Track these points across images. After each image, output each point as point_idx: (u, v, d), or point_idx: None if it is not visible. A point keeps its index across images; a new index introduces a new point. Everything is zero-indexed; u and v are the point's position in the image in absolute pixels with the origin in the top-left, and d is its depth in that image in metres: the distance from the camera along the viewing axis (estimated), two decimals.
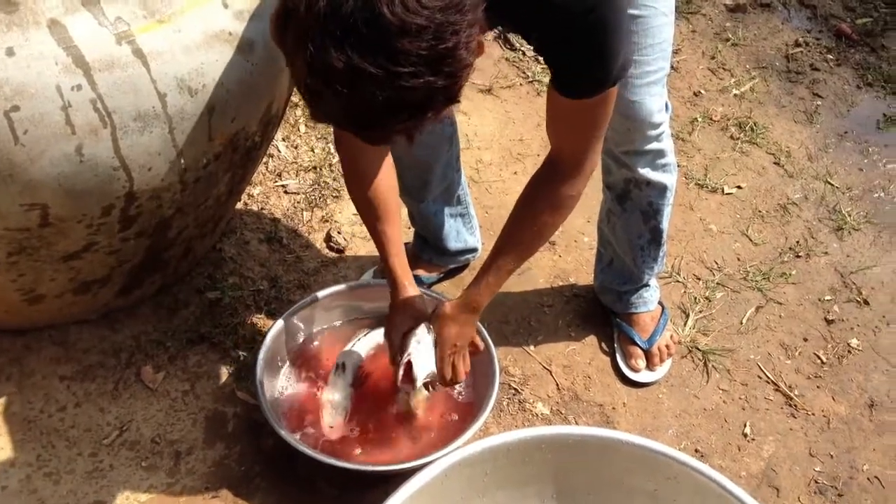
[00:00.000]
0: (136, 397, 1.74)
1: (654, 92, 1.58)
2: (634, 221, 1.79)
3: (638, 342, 1.91)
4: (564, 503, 1.52)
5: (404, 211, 2.01)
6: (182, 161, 1.47)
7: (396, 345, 1.59)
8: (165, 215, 1.58)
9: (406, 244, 2.06)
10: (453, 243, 1.99)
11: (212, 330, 1.85)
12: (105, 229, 1.49)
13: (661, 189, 1.74)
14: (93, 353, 1.78)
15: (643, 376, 1.90)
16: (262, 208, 2.16)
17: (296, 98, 2.46)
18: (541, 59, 1.34)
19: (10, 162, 1.27)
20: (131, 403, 1.73)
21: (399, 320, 1.59)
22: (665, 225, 1.81)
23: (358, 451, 1.64)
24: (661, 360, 1.92)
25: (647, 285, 1.92)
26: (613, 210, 1.81)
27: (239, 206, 2.13)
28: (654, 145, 1.66)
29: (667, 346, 1.93)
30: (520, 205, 1.47)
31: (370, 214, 1.56)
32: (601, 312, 2.01)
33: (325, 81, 0.96)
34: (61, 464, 1.63)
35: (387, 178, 1.56)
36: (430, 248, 2.01)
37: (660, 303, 1.97)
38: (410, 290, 1.60)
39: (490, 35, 2.86)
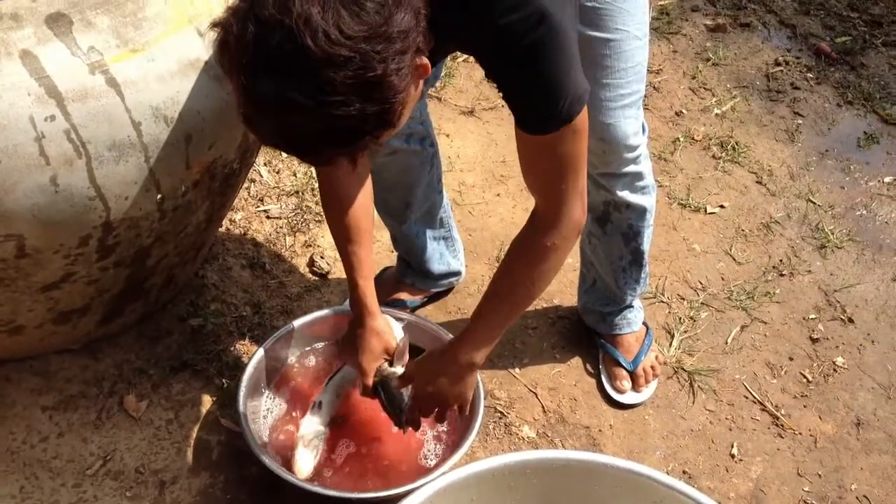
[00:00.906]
0: (120, 427, 1.72)
1: (628, 115, 1.59)
2: (615, 243, 1.79)
3: (623, 363, 1.90)
4: None
5: (386, 234, 2.01)
6: (159, 190, 1.47)
7: (371, 374, 1.58)
8: (144, 244, 1.57)
9: (388, 268, 2.06)
10: (437, 266, 1.99)
11: (195, 357, 1.84)
12: (83, 259, 1.49)
13: (641, 212, 1.74)
14: (75, 383, 1.77)
15: (629, 398, 1.90)
16: (244, 234, 2.15)
17: None
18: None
19: None
20: (115, 433, 1.71)
21: (371, 347, 1.58)
22: (646, 246, 1.81)
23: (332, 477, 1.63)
24: (647, 382, 1.92)
25: (630, 306, 1.92)
26: (594, 232, 1.81)
27: (221, 231, 2.12)
28: (631, 168, 1.66)
29: (652, 367, 1.92)
30: (504, 258, 1.46)
31: (342, 236, 1.56)
32: (586, 334, 2.01)
33: (258, 109, 1.00)
34: (45, 495, 1.61)
35: (363, 202, 1.55)
36: (413, 272, 2.00)
37: (644, 323, 1.97)
38: (378, 316, 1.59)
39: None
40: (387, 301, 1.95)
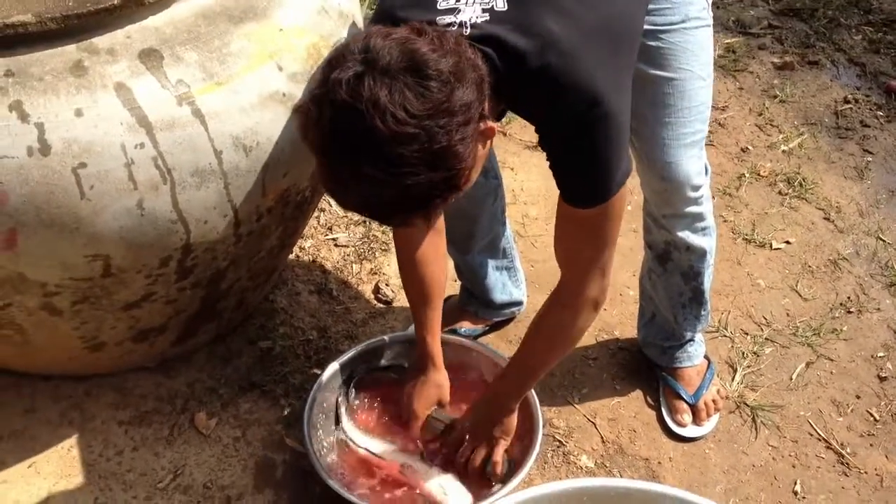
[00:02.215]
0: (190, 443, 1.79)
1: (691, 154, 1.61)
2: (675, 281, 1.81)
3: (684, 396, 1.90)
4: None
5: (450, 263, 2.06)
6: (237, 215, 1.54)
7: (421, 420, 1.71)
8: (220, 267, 1.65)
9: (451, 297, 2.11)
10: (499, 296, 2.02)
11: (263, 378, 1.91)
12: (163, 280, 1.56)
13: (701, 254, 1.75)
14: (149, 400, 1.85)
15: (690, 431, 1.89)
16: (313, 260, 2.22)
17: None
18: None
19: (75, 216, 1.35)
20: (185, 449, 1.78)
21: (428, 395, 1.71)
22: (707, 286, 1.82)
23: None
24: (708, 415, 1.91)
25: (691, 340, 1.92)
26: (654, 269, 1.83)
27: (291, 258, 2.20)
28: (693, 209, 1.68)
29: (713, 401, 1.92)
30: (527, 333, 1.58)
31: (415, 295, 1.68)
32: (646, 366, 2.01)
33: (338, 183, 1.11)
34: None
35: (437, 260, 1.66)
36: (475, 301, 2.04)
37: (706, 357, 1.97)
38: (441, 370, 1.72)
39: None
40: (448, 329, 1.99)
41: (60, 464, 1.73)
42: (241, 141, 1.46)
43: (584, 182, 1.32)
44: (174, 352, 1.88)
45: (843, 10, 3.54)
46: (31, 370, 1.85)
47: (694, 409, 1.90)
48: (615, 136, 1.26)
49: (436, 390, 1.71)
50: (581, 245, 1.41)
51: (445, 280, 1.73)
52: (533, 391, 1.72)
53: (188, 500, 1.70)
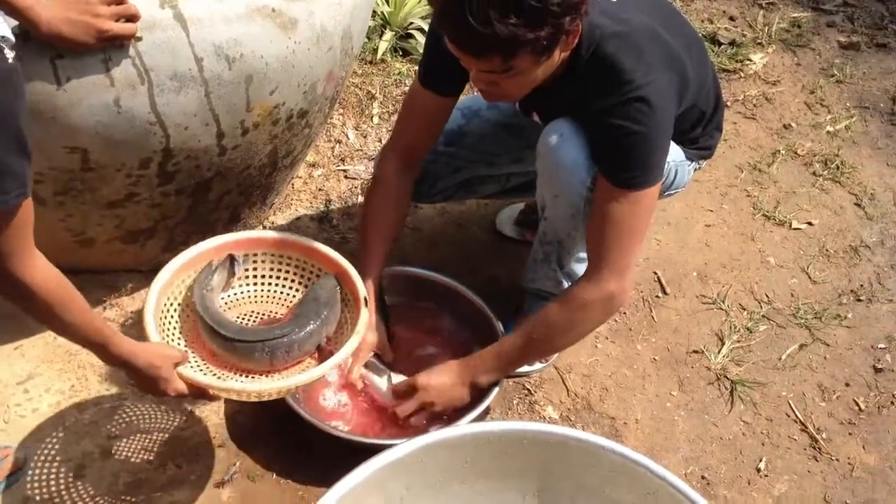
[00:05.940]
0: None
1: None
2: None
3: None
4: (546, 503, 1.52)
5: None
6: (219, 125, 1.58)
7: (359, 364, 1.71)
8: (205, 177, 1.69)
9: None
10: None
11: None
12: (144, 182, 1.61)
13: None
14: (137, 301, 1.91)
15: None
16: (319, 189, 2.25)
17: (373, 89, 2.55)
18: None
19: (52, 105, 1.40)
20: None
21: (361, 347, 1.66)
22: None
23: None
24: None
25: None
26: None
27: (298, 184, 2.23)
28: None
29: None
30: (538, 314, 1.63)
31: (374, 232, 1.74)
32: (626, 327, 1.99)
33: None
34: (90, 395, 1.75)
35: (402, 209, 1.77)
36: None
37: None
38: (373, 313, 1.69)
39: None
40: None
41: (45, 349, 1.81)
42: (224, 51, 1.49)
43: (626, 160, 1.46)
44: (167, 258, 1.93)
45: None
46: None
47: None
48: (658, 140, 1.48)
49: (372, 334, 1.69)
50: (602, 232, 1.51)
51: (400, 230, 1.80)
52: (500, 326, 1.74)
53: (157, 398, 1.76)
